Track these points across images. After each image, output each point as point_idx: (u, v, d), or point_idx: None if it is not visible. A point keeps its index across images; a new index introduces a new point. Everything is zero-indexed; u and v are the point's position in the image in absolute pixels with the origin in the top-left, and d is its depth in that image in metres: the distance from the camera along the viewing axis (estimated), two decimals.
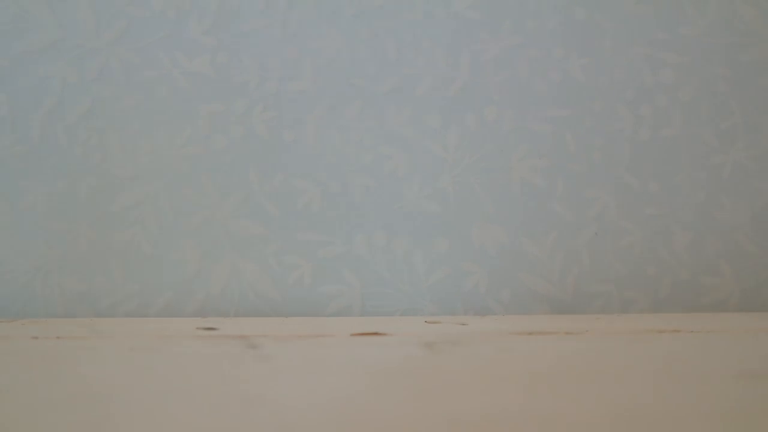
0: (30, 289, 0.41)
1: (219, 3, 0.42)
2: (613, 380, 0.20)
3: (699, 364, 0.23)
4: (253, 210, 0.42)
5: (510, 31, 0.44)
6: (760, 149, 0.44)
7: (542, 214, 0.44)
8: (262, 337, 0.29)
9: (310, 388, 0.19)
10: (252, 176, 0.42)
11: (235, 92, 0.42)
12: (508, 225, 0.43)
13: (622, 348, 0.27)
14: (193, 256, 0.41)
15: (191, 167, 0.41)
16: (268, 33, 0.43)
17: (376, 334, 0.30)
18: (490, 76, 0.44)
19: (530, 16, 0.44)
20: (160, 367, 0.22)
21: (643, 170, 0.44)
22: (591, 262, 0.44)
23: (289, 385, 0.19)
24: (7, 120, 0.41)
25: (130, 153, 0.41)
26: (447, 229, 0.43)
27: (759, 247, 0.44)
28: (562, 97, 0.44)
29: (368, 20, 0.43)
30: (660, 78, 0.44)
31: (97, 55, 0.42)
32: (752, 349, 0.27)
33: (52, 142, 0.41)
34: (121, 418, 0.16)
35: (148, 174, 0.41)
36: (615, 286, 0.44)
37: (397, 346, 0.27)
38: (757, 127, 0.44)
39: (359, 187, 0.42)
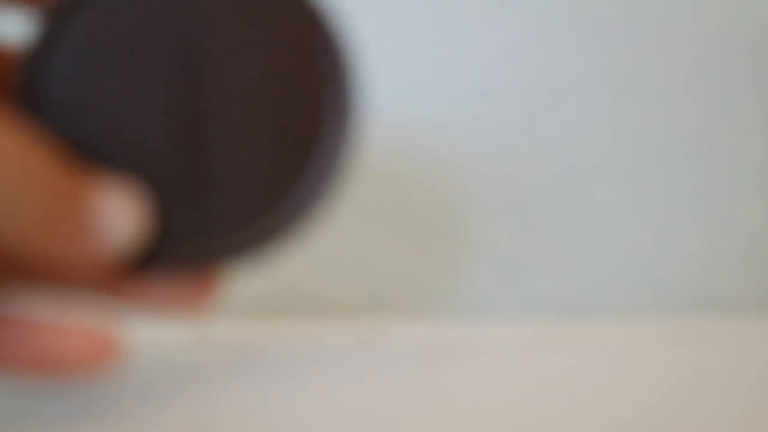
0: None
1: None
2: (617, 382, 0.20)
3: (707, 367, 0.23)
4: None
5: (516, 26, 0.43)
6: None
7: (545, 214, 0.43)
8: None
9: (310, 393, 0.19)
10: None
11: None
12: (510, 225, 0.43)
13: (626, 350, 0.27)
14: None
15: None
16: None
17: None
18: (493, 72, 0.43)
19: (537, 10, 0.43)
20: None
21: (650, 169, 0.44)
22: (598, 263, 0.43)
23: (285, 388, 0.19)
24: None
25: None
26: (448, 229, 0.43)
27: None
28: (571, 92, 0.43)
29: (368, 16, 0.43)
30: (670, 74, 0.44)
31: None
32: (763, 352, 0.27)
33: None
34: None
35: None
36: (623, 287, 0.43)
37: (397, 346, 0.27)
38: None
39: None
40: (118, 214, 0.17)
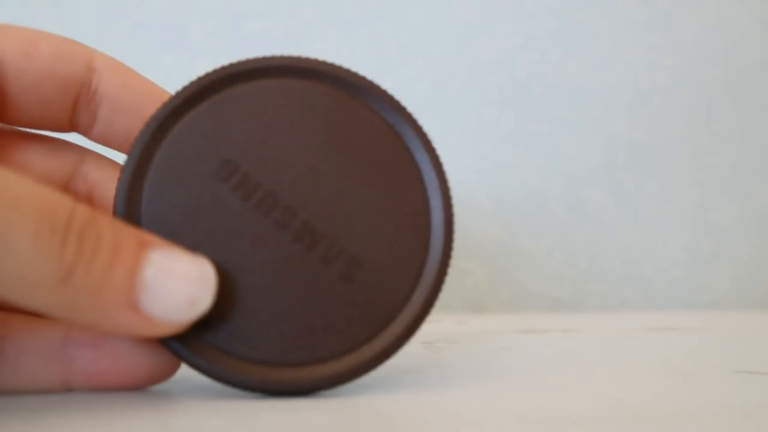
0: None
1: (222, 5, 0.43)
2: (610, 377, 0.20)
3: (695, 361, 0.23)
4: None
5: (508, 33, 0.44)
6: (754, 151, 0.45)
7: (540, 213, 0.44)
8: None
9: None
10: None
11: None
12: (507, 224, 0.43)
13: (618, 346, 0.27)
14: None
15: None
16: (270, 35, 0.43)
17: None
18: (489, 77, 0.44)
19: (528, 19, 0.44)
20: None
21: (639, 171, 0.44)
22: (588, 262, 0.44)
23: None
24: None
25: None
26: None
27: (754, 246, 0.44)
28: (560, 99, 0.44)
29: (368, 22, 0.43)
30: (656, 81, 0.44)
31: None
32: (747, 346, 0.27)
33: None
34: None
35: None
36: (611, 284, 0.44)
37: None
38: (751, 129, 0.45)
39: None
40: (175, 282, 0.15)
